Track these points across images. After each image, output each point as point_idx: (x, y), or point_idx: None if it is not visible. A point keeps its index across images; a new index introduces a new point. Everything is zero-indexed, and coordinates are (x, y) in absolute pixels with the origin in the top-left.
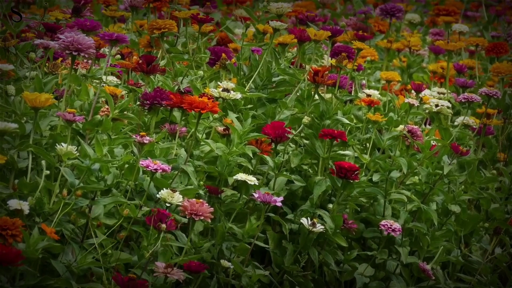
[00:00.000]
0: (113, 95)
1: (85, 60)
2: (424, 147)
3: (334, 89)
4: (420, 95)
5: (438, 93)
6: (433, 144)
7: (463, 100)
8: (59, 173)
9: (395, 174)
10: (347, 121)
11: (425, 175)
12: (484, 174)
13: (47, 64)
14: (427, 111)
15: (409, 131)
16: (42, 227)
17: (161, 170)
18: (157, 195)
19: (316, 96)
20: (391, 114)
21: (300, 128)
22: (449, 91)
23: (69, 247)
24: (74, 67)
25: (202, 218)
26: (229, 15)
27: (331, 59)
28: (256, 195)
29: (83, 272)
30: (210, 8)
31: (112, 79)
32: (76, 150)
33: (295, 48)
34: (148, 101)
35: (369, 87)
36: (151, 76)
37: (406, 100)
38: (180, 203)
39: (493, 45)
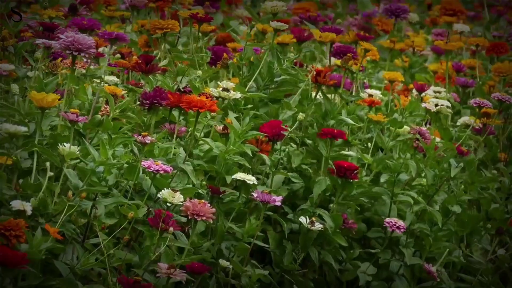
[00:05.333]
0: (113, 95)
1: (84, 60)
2: (429, 148)
3: (334, 89)
4: (420, 95)
5: (434, 91)
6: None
7: (474, 105)
8: (61, 174)
9: (403, 176)
10: (351, 122)
11: (431, 177)
12: (484, 174)
13: (45, 64)
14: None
15: (418, 133)
16: (46, 227)
17: (162, 171)
18: (158, 195)
19: (318, 96)
20: (395, 115)
21: (295, 125)
22: (445, 90)
23: (70, 247)
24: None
25: (204, 218)
26: (228, 14)
27: (331, 59)
28: (255, 195)
29: (85, 273)
30: (210, 8)
31: (112, 78)
32: (78, 150)
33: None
34: (147, 101)
35: (371, 87)
36: (150, 76)
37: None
38: (181, 203)
39: (493, 44)
